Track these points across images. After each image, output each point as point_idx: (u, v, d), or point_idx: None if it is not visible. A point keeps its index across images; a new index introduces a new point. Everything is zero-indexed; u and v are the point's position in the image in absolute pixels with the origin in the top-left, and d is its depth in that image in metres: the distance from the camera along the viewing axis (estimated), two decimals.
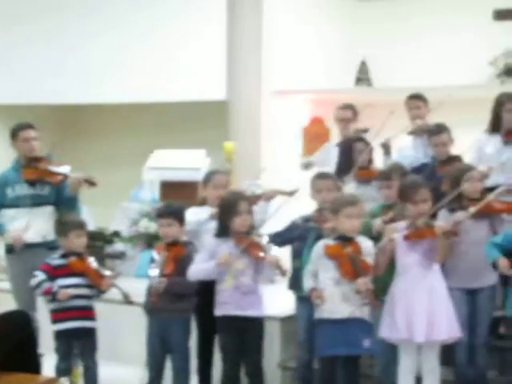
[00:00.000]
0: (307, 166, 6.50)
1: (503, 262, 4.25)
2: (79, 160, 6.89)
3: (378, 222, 4.75)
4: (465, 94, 7.56)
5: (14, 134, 5.71)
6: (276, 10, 8.76)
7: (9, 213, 5.60)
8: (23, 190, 5.60)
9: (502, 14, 8.63)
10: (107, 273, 5.20)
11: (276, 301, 5.31)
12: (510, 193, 4.96)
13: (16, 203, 5.58)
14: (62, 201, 5.67)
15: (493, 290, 4.86)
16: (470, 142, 5.92)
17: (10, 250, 5.67)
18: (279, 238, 5.03)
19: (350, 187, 5.52)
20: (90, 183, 5.58)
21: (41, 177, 5.57)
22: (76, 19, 8.94)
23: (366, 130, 6.22)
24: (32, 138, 5.65)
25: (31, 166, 5.58)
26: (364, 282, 4.15)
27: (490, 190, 5.07)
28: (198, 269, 4.60)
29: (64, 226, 5.13)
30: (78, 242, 5.06)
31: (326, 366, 4.48)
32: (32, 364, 3.91)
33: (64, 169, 5.64)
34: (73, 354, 5.04)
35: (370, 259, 4.31)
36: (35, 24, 8.97)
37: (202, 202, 5.46)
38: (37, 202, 5.60)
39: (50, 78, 8.81)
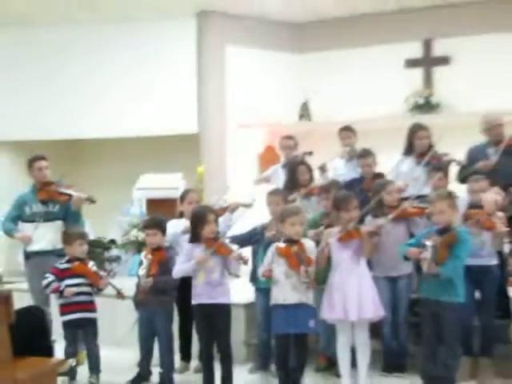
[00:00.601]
0: (258, 182, 6.55)
1: (411, 250, 4.36)
2: (82, 183, 6.83)
3: (311, 234, 4.79)
4: (385, 125, 7.68)
5: (30, 164, 5.71)
6: (237, 60, 8.83)
7: (26, 226, 5.61)
8: (38, 208, 5.61)
9: (411, 63, 8.78)
10: (104, 274, 5.19)
11: (240, 291, 5.31)
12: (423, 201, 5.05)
13: (32, 219, 5.58)
14: (69, 215, 5.67)
15: (409, 278, 4.94)
16: (392, 163, 5.99)
17: (27, 256, 5.70)
18: (242, 240, 5.06)
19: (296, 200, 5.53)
20: (91, 201, 5.66)
21: (51, 197, 5.60)
22: (70, 67, 8.88)
23: (311, 153, 6.22)
24: (44, 167, 5.68)
25: (44, 189, 5.61)
26: (304, 270, 4.19)
27: (405, 199, 5.15)
28: (180, 269, 4.64)
29: (69, 237, 5.12)
30: (81, 249, 5.07)
31: (280, 342, 4.48)
32: (46, 349, 3.89)
33: (70, 190, 5.64)
34: (78, 340, 5.04)
35: (312, 256, 4.33)
36: (37, 71, 8.91)
37: (180, 215, 5.50)
38: (49, 217, 5.60)
39: (52, 117, 8.76)
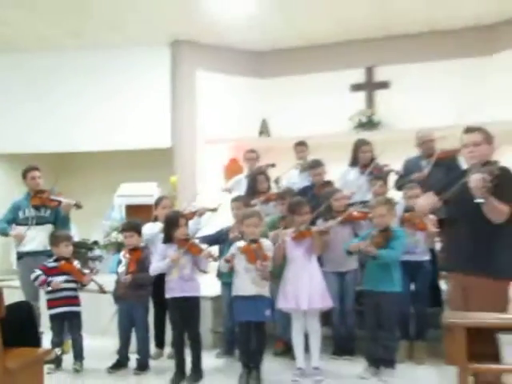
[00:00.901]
0: (225, 191, 6.52)
1: (352, 244, 4.48)
2: (69, 192, 6.71)
3: (272, 235, 4.80)
4: (333, 140, 7.73)
5: (24, 174, 5.65)
6: (206, 84, 8.84)
7: (19, 228, 5.52)
8: (31, 212, 5.54)
9: (355, 87, 8.88)
10: (87, 271, 5.13)
11: (208, 285, 5.27)
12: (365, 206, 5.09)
13: (25, 222, 5.52)
14: (58, 219, 5.61)
15: (355, 272, 4.96)
16: (339, 173, 6.04)
17: (20, 256, 5.62)
18: (211, 240, 5.08)
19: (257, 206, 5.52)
20: (78, 206, 5.59)
21: (44, 203, 5.54)
22: (59, 89, 8.83)
23: (273, 165, 6.23)
24: (37, 176, 5.63)
25: (37, 196, 5.54)
26: (260, 264, 4.22)
27: (351, 204, 5.18)
28: (156, 266, 4.62)
29: (55, 239, 5.07)
30: (66, 250, 5.01)
31: (241, 329, 4.51)
32: (34, 340, 3.81)
33: (60, 197, 5.60)
34: (64, 331, 4.97)
35: (269, 253, 4.34)
36: (29, 93, 8.87)
37: (155, 219, 5.44)
38: (40, 221, 5.54)
39: (42, 133, 8.73)
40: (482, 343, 1.96)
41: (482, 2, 7.42)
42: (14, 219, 5.58)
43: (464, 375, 1.95)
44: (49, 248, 5.32)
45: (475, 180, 3.34)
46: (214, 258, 4.64)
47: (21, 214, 5.55)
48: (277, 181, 6.23)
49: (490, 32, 8.23)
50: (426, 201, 3.82)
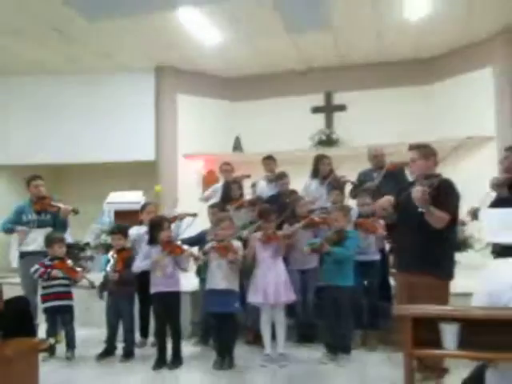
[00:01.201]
0: (203, 199, 6.47)
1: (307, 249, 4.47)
2: (65, 198, 6.61)
3: (244, 234, 4.80)
4: (297, 155, 7.77)
5: (28, 182, 5.54)
6: (185, 105, 8.85)
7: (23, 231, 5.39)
8: (32, 216, 5.41)
9: (316, 109, 8.97)
10: (79, 269, 5.01)
11: (188, 282, 5.22)
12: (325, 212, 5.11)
13: (27, 225, 5.39)
14: (57, 223, 5.47)
15: (316, 270, 4.94)
16: (302, 184, 6.04)
17: (22, 256, 5.45)
18: (192, 242, 5.02)
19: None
20: (75, 212, 5.45)
21: (45, 208, 5.42)
22: (58, 110, 8.81)
23: (248, 176, 6.21)
24: (40, 184, 5.50)
25: (39, 202, 5.42)
26: (232, 255, 4.27)
27: (312, 211, 5.19)
28: (139, 265, 4.59)
29: (50, 241, 4.95)
30: (60, 250, 4.90)
31: (215, 320, 4.49)
32: (30, 331, 3.72)
33: (60, 204, 5.47)
34: (57, 323, 4.86)
35: (239, 251, 4.37)
36: (30, 114, 8.82)
37: (140, 223, 5.37)
38: (41, 224, 5.40)
39: (42, 147, 8.68)
40: (427, 332, 1.96)
41: (423, 38, 7.57)
42: (17, 222, 5.44)
43: (409, 359, 1.95)
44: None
45: (416, 192, 3.42)
46: (196, 258, 4.59)
47: (24, 218, 5.42)
48: (253, 185, 6.29)
49: (432, 64, 8.43)
50: (382, 201, 3.84)
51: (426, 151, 3.81)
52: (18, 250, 5.50)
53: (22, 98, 8.89)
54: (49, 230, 5.38)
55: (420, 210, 3.48)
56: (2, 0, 6.01)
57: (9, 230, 5.50)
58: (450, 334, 1.92)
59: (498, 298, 1.94)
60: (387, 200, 3.81)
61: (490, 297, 1.96)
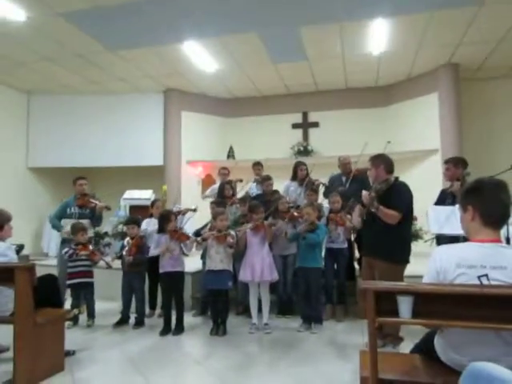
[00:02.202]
0: (204, 198, 6.39)
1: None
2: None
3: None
4: (280, 162, 7.73)
5: (75, 181, 5.43)
6: (188, 120, 8.80)
7: (66, 221, 5.23)
8: (75, 210, 5.29)
9: (295, 126, 8.99)
10: (98, 253, 4.92)
11: (191, 264, 5.15)
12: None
13: (71, 216, 5.25)
14: (94, 216, 5.36)
15: (294, 256, 4.87)
16: (283, 185, 6.02)
17: (63, 241, 5.25)
18: (197, 232, 4.93)
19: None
20: (108, 208, 5.40)
21: (85, 204, 5.32)
22: (85, 123, 8.79)
23: (241, 180, 6.12)
24: (84, 183, 5.41)
25: (81, 198, 5.32)
26: (228, 240, 4.30)
27: (292, 207, 5.15)
28: (153, 251, 4.53)
29: (75, 229, 4.85)
30: (83, 237, 4.81)
31: (212, 295, 4.46)
32: (58, 303, 3.67)
33: (96, 201, 5.40)
34: (80, 297, 4.79)
35: (234, 237, 4.37)
36: (61, 125, 8.78)
37: (150, 216, 5.35)
38: (81, 217, 5.26)
39: (71, 153, 8.67)
40: (386, 303, 1.95)
41: (381, 69, 7.62)
42: (62, 215, 5.31)
43: (373, 325, 1.94)
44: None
45: (364, 196, 3.46)
46: (198, 242, 4.55)
47: (68, 211, 5.29)
48: (241, 180, 6.13)
49: (386, 91, 8.49)
50: (363, 195, 3.81)
51: (375, 162, 3.79)
52: (61, 236, 5.31)
53: (54, 112, 8.82)
54: (87, 221, 5.28)
55: (371, 209, 3.51)
56: (37, 32, 5.93)
57: (55, 227, 5.36)
58: (405, 304, 1.91)
59: (444, 275, 1.93)
60: (361, 210, 3.79)
61: (438, 274, 1.95)
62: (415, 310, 1.91)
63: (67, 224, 5.23)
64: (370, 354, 1.93)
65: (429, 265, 2.03)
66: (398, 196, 3.61)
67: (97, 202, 5.37)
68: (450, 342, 1.96)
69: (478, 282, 1.85)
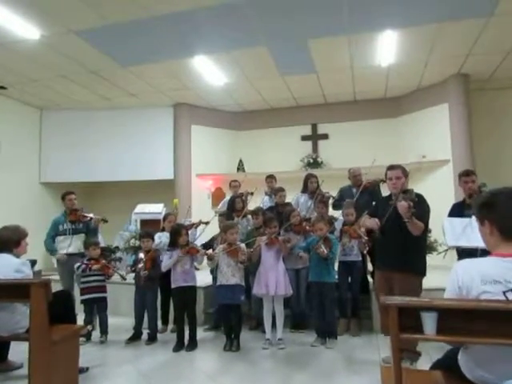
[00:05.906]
0: (217, 212, 6.35)
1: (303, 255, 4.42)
2: (100, 210, 6.59)
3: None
4: (290, 174, 7.68)
5: (63, 196, 5.45)
6: (198, 134, 8.81)
7: (60, 238, 5.28)
8: (68, 226, 5.31)
9: (305, 138, 8.96)
10: (111, 266, 4.90)
11: (203, 278, 5.13)
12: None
13: (64, 233, 5.28)
14: (89, 230, 5.38)
15: (307, 269, 4.81)
16: (293, 197, 5.99)
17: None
18: (205, 245, 4.94)
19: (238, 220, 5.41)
20: (104, 221, 5.38)
21: (78, 219, 5.33)
22: (95, 137, 8.79)
23: (252, 193, 6.09)
24: (73, 198, 5.42)
25: (73, 213, 5.33)
26: (240, 255, 4.24)
27: (304, 220, 5.11)
28: (167, 265, 4.47)
29: (87, 245, 4.86)
30: (94, 252, 4.81)
31: (225, 309, 4.40)
32: (71, 319, 3.65)
33: (91, 214, 5.40)
34: (93, 312, 4.76)
35: (244, 252, 4.30)
36: (72, 140, 8.78)
37: (162, 230, 5.33)
38: (75, 232, 5.30)
39: (82, 168, 8.65)
40: (408, 318, 1.91)
41: (391, 80, 7.61)
42: (55, 233, 5.33)
43: (396, 342, 1.89)
44: (82, 251, 5.13)
45: (402, 206, 3.37)
46: (208, 256, 4.46)
47: (60, 227, 5.31)
48: (252, 193, 6.08)
49: (396, 102, 8.46)
50: (371, 222, 3.78)
51: (405, 170, 3.78)
52: (59, 252, 5.33)
53: (70, 129, 8.82)
54: (82, 236, 5.31)
55: (405, 220, 3.42)
56: (51, 49, 6.00)
57: (49, 251, 5.36)
58: (430, 320, 1.86)
59: (467, 291, 1.88)
60: (375, 222, 3.73)
61: (460, 290, 1.90)
62: (437, 326, 1.87)
63: (61, 241, 5.27)
64: (394, 372, 1.87)
65: (450, 279, 1.97)
66: (422, 207, 3.57)
67: (91, 216, 5.36)
68: (476, 358, 1.91)
69: (503, 298, 1.80)
